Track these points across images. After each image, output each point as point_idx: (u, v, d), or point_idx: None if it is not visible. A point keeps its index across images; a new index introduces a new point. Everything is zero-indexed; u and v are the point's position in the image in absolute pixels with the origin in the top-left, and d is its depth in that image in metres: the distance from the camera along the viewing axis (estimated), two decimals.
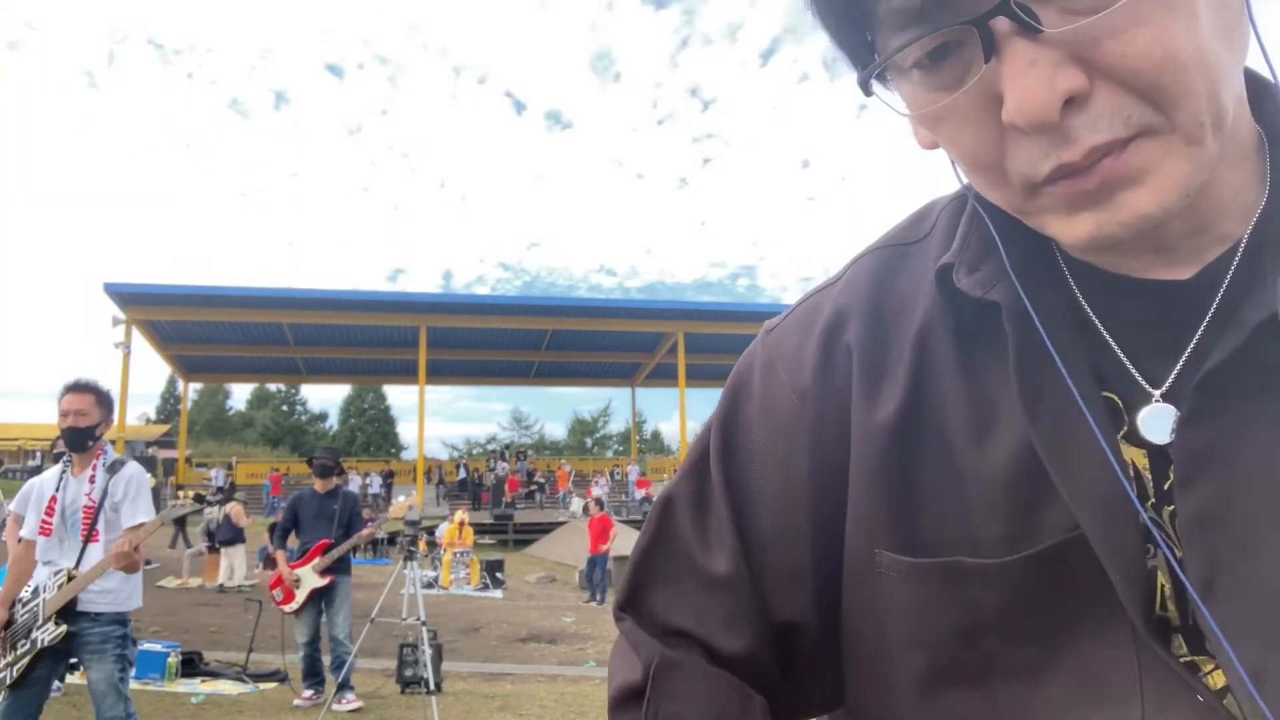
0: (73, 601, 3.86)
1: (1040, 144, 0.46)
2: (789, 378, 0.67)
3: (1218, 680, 0.50)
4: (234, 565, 14.78)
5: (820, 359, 0.65)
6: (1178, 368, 0.53)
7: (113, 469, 4.06)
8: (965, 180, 0.56)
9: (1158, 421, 0.53)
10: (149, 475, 4.20)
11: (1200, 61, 0.45)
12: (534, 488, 29.39)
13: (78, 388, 4.04)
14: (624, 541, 19.21)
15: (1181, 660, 0.51)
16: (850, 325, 0.65)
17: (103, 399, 4.09)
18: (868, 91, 0.54)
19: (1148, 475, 0.54)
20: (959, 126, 0.50)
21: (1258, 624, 0.48)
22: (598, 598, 14.79)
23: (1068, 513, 0.53)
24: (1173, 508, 0.52)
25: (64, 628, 3.82)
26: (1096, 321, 0.56)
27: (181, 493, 4.33)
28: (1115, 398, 0.55)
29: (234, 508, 15.42)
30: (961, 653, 0.58)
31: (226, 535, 15.03)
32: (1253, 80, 0.55)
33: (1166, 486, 0.53)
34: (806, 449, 0.65)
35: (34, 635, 3.85)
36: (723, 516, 0.67)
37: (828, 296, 0.69)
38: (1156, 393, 0.54)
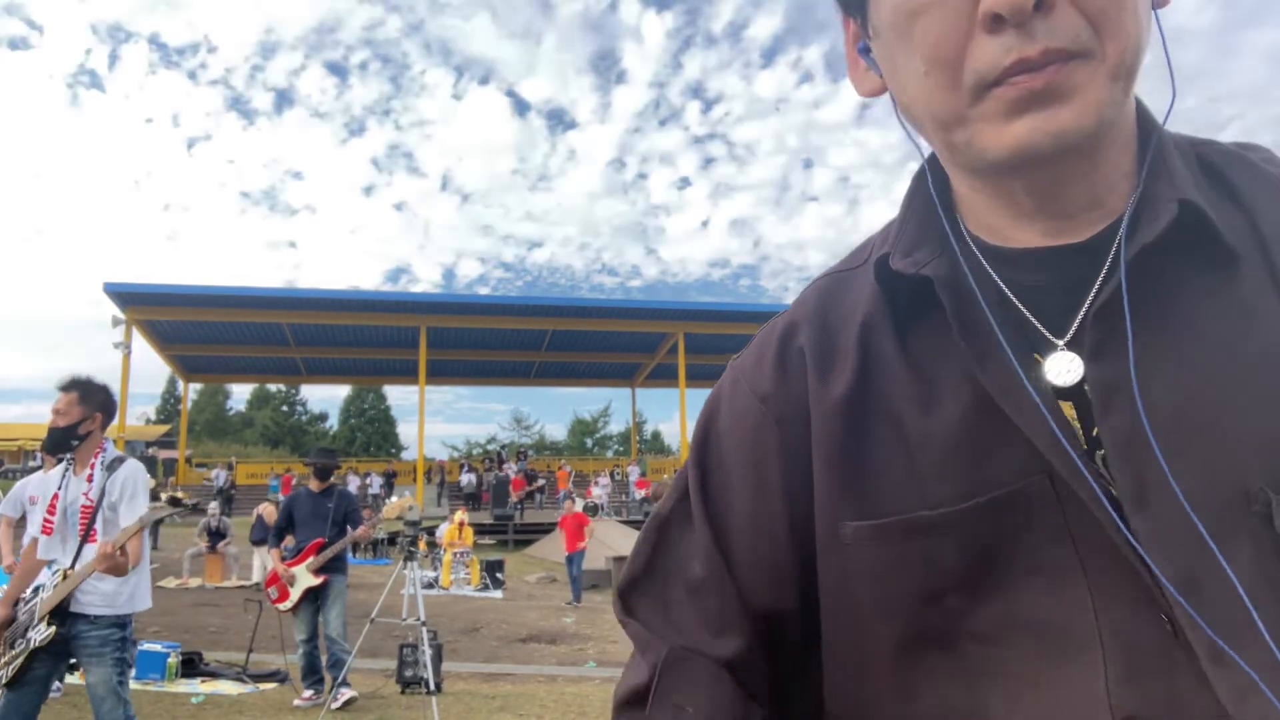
0: (65, 601, 3.83)
1: (1005, 40, 0.54)
2: (750, 386, 0.73)
3: None
4: (265, 563, 15.02)
5: (777, 363, 0.72)
6: (1078, 319, 0.60)
7: (111, 467, 4.02)
8: (907, 122, 0.63)
9: (1057, 366, 0.60)
10: (148, 473, 4.17)
11: (1133, 12, 0.55)
12: (535, 488, 29.33)
13: (62, 386, 3.97)
14: (625, 541, 19.21)
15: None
16: (801, 332, 0.72)
17: (87, 395, 3.99)
18: None
19: (1077, 425, 0.59)
20: (935, 18, 0.56)
21: (1182, 533, 0.53)
22: (575, 597, 14.34)
23: (1016, 465, 0.59)
24: (1104, 452, 0.57)
25: (53, 629, 3.79)
26: (1008, 292, 0.63)
27: (164, 493, 4.20)
28: (1039, 357, 0.61)
29: (265, 508, 15.83)
30: (927, 614, 0.61)
31: (259, 535, 15.49)
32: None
33: (1095, 432, 0.58)
34: (775, 446, 0.70)
35: (29, 635, 3.83)
36: (701, 524, 0.72)
37: (779, 318, 0.76)
38: (1060, 342, 0.60)
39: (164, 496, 4.01)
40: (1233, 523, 0.53)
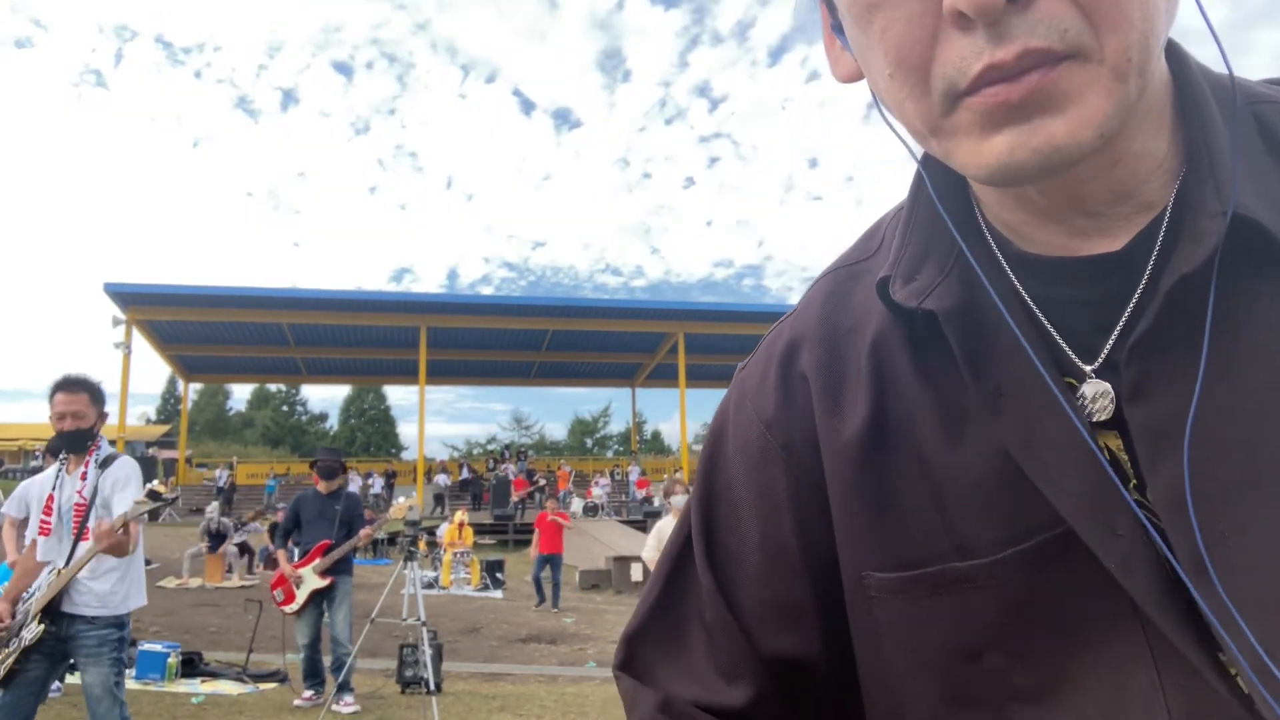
0: (57, 600, 3.81)
1: (975, 41, 0.44)
2: (755, 410, 0.67)
3: None
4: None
5: (780, 387, 0.65)
6: (1109, 343, 0.52)
7: (104, 465, 4.02)
8: (890, 116, 0.54)
9: (1091, 399, 0.52)
10: (140, 470, 4.15)
11: None
12: (536, 488, 29.37)
13: (69, 386, 3.96)
14: (625, 541, 19.20)
15: (1217, 652, 0.48)
16: (804, 352, 0.65)
17: (96, 395, 4.02)
18: None
19: (1124, 457, 0.52)
20: (894, 15, 0.47)
21: (1262, 597, 0.45)
22: (545, 600, 13.77)
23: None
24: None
25: (42, 627, 3.77)
26: (1034, 307, 0.55)
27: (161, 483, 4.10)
28: (1074, 381, 0.53)
29: None
30: (967, 674, 0.55)
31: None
32: (1171, 53, 0.54)
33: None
34: (782, 476, 0.64)
35: (21, 634, 3.82)
36: (702, 560, 0.67)
37: (785, 325, 0.69)
38: (1089, 369, 0.53)
39: (145, 490, 3.90)
40: None
